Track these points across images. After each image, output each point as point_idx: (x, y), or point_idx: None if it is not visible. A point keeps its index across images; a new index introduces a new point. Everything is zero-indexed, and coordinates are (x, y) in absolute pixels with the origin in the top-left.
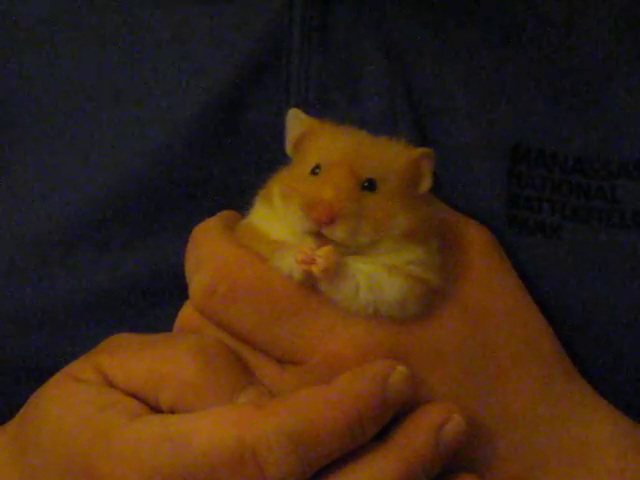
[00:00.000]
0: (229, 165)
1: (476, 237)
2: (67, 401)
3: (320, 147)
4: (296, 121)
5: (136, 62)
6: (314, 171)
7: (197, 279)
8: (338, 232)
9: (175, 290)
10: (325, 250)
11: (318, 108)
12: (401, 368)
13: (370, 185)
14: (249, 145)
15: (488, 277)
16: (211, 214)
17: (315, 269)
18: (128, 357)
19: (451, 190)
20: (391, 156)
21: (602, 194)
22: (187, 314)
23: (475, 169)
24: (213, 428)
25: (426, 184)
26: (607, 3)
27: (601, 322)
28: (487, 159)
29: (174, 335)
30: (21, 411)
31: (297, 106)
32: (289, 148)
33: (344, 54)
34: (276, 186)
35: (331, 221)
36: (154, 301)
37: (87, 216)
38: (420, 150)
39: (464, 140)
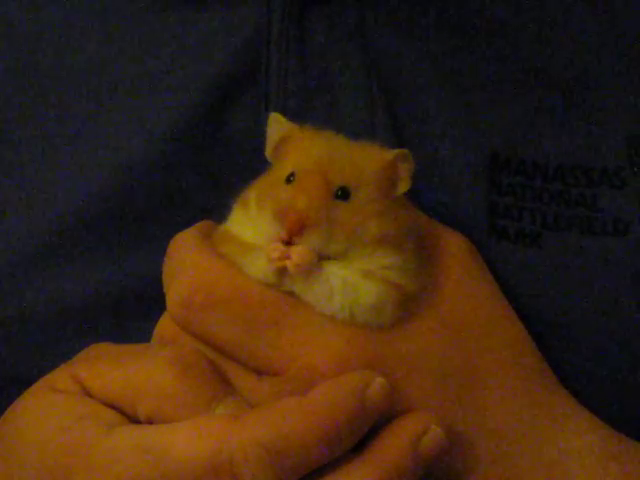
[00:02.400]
0: (209, 175)
1: (455, 246)
2: (45, 411)
3: (296, 153)
4: (276, 125)
5: (113, 72)
6: (289, 178)
7: (174, 289)
8: (308, 241)
9: (154, 300)
10: (299, 248)
11: (297, 117)
12: (379, 379)
13: (343, 193)
14: (229, 155)
15: (467, 286)
16: (190, 225)
17: (289, 264)
18: (106, 367)
19: (431, 198)
20: (366, 161)
21: (583, 202)
22: (165, 324)
23: (455, 177)
24: (190, 439)
25: (404, 186)
26: (588, 11)
27: (582, 330)
28: (467, 167)
29: (152, 345)
30: None
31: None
32: (268, 152)
33: (322, 63)
34: (253, 191)
35: (301, 230)
36: (132, 311)
37: (66, 227)
38: (395, 152)
39: (444, 148)
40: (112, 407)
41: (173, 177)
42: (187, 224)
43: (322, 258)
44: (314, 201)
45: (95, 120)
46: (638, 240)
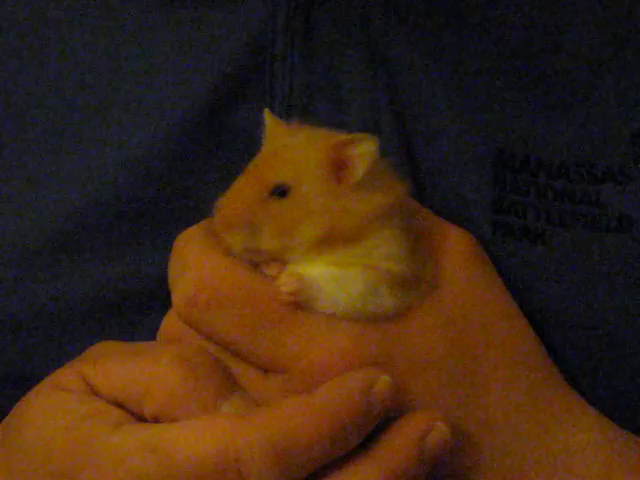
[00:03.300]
0: (214, 171)
1: (460, 243)
2: (51, 410)
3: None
4: (265, 121)
5: (119, 69)
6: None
7: (179, 288)
8: (233, 239)
9: (159, 298)
10: (283, 276)
11: (302, 113)
12: (385, 377)
13: (279, 190)
14: (234, 151)
15: (472, 284)
16: (195, 222)
17: (285, 298)
18: (112, 366)
19: (436, 196)
20: (309, 154)
21: (587, 199)
22: (170, 323)
23: (460, 175)
24: (197, 438)
25: (356, 173)
26: (591, 8)
27: (587, 327)
28: (472, 165)
29: (158, 344)
30: (5, 420)
31: (281, 113)
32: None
33: (328, 61)
34: None
35: (226, 229)
36: (138, 309)
37: (70, 225)
38: (336, 139)
39: (448, 145)
40: (118, 405)
41: (178, 174)
42: (193, 221)
43: (290, 261)
44: (240, 200)
45: (100, 117)
46: None
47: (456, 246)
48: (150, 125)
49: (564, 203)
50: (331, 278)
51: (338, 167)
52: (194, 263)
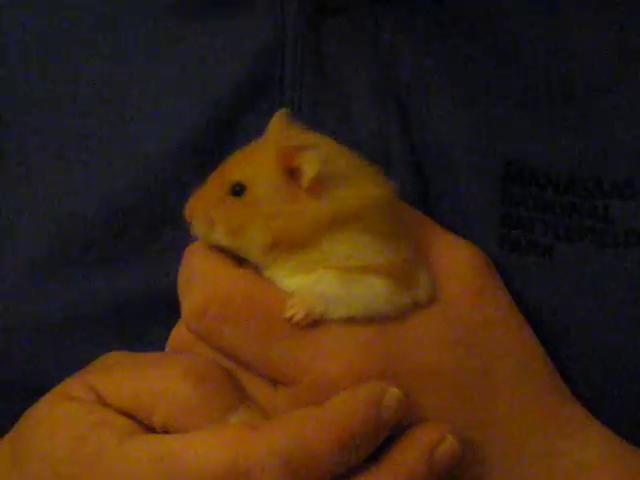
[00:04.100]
0: None
1: (469, 258)
2: (59, 419)
3: None
4: (272, 120)
5: (128, 80)
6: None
7: (189, 299)
8: (193, 229)
9: (168, 309)
10: (291, 304)
11: (311, 127)
12: (394, 389)
13: (238, 189)
14: None
15: (481, 298)
16: None
17: (301, 322)
18: (121, 376)
19: (444, 209)
20: (266, 158)
21: (595, 214)
22: (180, 333)
23: (467, 188)
24: (206, 449)
25: (304, 180)
26: (597, 22)
27: (594, 342)
28: (479, 178)
29: (167, 354)
30: (13, 429)
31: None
32: None
33: (337, 75)
34: None
35: (189, 219)
36: (147, 320)
37: (79, 235)
38: (284, 145)
39: (456, 159)
40: (127, 416)
41: (187, 186)
42: None
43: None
44: (203, 195)
45: (110, 127)
46: None
47: (465, 259)
48: (159, 136)
49: (571, 218)
50: (320, 283)
51: (292, 172)
52: (204, 275)
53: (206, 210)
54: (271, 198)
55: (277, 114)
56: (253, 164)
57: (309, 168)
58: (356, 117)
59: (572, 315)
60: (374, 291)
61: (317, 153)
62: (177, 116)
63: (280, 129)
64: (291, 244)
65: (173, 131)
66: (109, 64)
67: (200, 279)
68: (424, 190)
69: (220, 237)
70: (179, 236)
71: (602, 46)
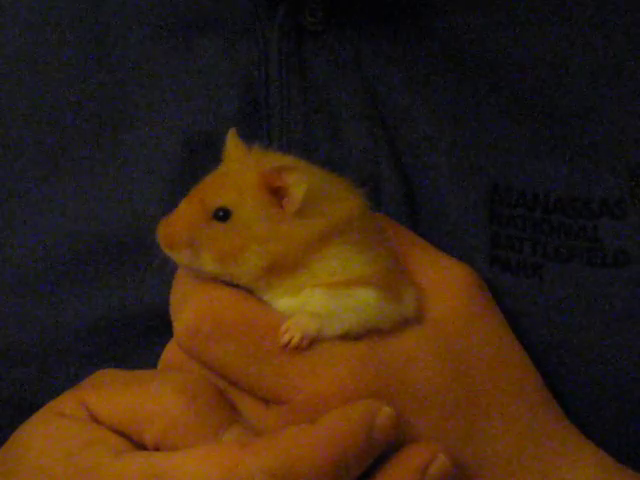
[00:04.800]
0: None
1: (461, 276)
2: (51, 436)
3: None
4: (227, 142)
5: (117, 100)
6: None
7: (181, 317)
8: (176, 258)
9: (160, 327)
10: (284, 329)
11: (300, 148)
12: (386, 408)
13: (221, 214)
14: None
15: (472, 316)
16: None
17: (299, 346)
18: (113, 393)
19: (433, 230)
20: (250, 180)
21: (584, 233)
22: (172, 351)
23: (456, 208)
24: (198, 466)
25: (293, 203)
26: (588, 42)
27: (585, 361)
28: (468, 200)
29: (159, 372)
30: (5, 445)
31: (279, 147)
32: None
33: (323, 94)
34: None
35: (169, 247)
36: (139, 337)
37: (71, 253)
38: (267, 167)
39: (445, 179)
40: (119, 433)
41: (171, 208)
42: None
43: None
44: (181, 221)
45: (92, 148)
46: (639, 271)
47: (457, 278)
48: (151, 155)
49: (560, 238)
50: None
51: (276, 193)
52: (196, 294)
53: (189, 237)
54: (259, 222)
55: (230, 134)
56: (235, 188)
57: (297, 190)
58: (346, 137)
59: (562, 334)
60: (363, 301)
61: (301, 174)
62: (161, 140)
63: (240, 150)
64: (284, 266)
65: (159, 153)
66: (92, 86)
67: (192, 297)
68: (414, 210)
69: (208, 264)
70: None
71: (590, 66)
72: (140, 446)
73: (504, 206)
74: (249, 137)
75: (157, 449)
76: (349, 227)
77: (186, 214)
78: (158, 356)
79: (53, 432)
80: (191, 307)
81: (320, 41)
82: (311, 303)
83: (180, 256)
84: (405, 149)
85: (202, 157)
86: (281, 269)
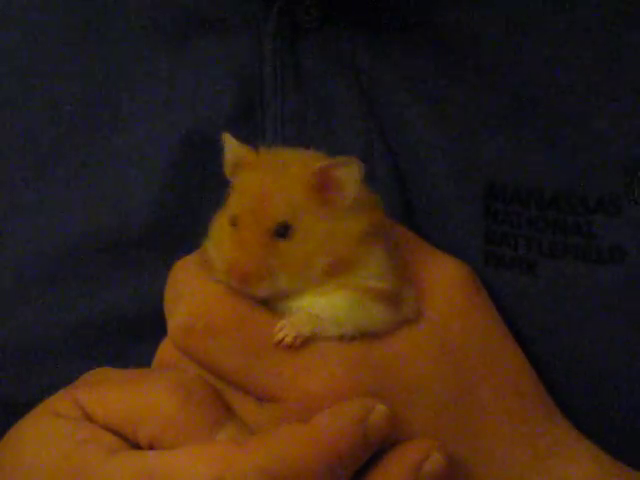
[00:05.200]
0: (208, 203)
1: (456, 273)
2: (45, 436)
3: (238, 189)
4: (228, 146)
5: (111, 99)
6: (232, 220)
7: (175, 315)
8: (256, 292)
9: (154, 325)
10: (279, 327)
11: (295, 145)
12: (381, 406)
13: (282, 230)
14: (227, 184)
15: (467, 314)
16: (191, 251)
17: (294, 344)
18: (107, 392)
19: (428, 227)
20: (298, 186)
21: (578, 230)
22: (166, 349)
23: (451, 206)
24: (192, 465)
25: (347, 197)
26: (584, 40)
27: (579, 358)
28: (463, 196)
29: (153, 370)
30: None
31: (274, 143)
32: (227, 173)
33: (318, 91)
34: (213, 224)
35: (247, 284)
36: (133, 336)
37: (66, 251)
38: (321, 165)
39: (439, 176)
40: (113, 432)
41: (173, 206)
42: (188, 251)
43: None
44: (251, 251)
45: (89, 149)
46: (634, 268)
47: (453, 276)
48: (144, 158)
49: (555, 234)
50: (325, 306)
51: (326, 190)
52: (190, 291)
53: (262, 268)
54: (319, 225)
55: (223, 137)
56: (283, 199)
57: (350, 186)
58: (340, 133)
59: (557, 331)
60: (373, 315)
61: (355, 170)
62: (156, 139)
63: (250, 154)
64: (342, 264)
65: (154, 153)
66: (87, 86)
67: (186, 295)
68: (408, 207)
69: (286, 282)
70: (165, 254)
71: (586, 62)
72: (134, 445)
73: (499, 202)
74: (244, 135)
75: (151, 448)
76: (381, 226)
77: (248, 244)
78: (152, 354)
79: (47, 431)
80: (185, 305)
81: (315, 39)
82: (329, 305)
83: (259, 290)
84: (400, 146)
85: (197, 155)
86: (339, 268)
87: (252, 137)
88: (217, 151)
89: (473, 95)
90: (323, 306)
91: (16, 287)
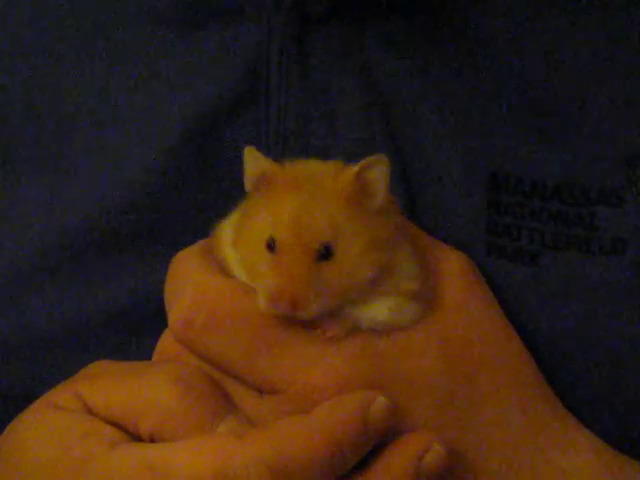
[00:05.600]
0: (209, 194)
1: (456, 265)
2: (46, 429)
3: (273, 211)
4: (252, 160)
5: (114, 92)
6: (269, 244)
7: (175, 309)
8: (307, 316)
9: (155, 318)
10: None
11: (296, 137)
12: (381, 398)
13: (325, 252)
14: (228, 174)
15: (468, 305)
16: (191, 242)
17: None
18: (108, 385)
19: (431, 218)
20: (332, 202)
21: (581, 221)
22: (167, 342)
23: (454, 197)
24: (193, 458)
25: (378, 197)
26: (587, 32)
27: (581, 349)
28: (466, 187)
29: (154, 363)
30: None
31: (276, 137)
32: (248, 186)
33: (322, 85)
34: (239, 240)
35: (297, 310)
36: (133, 329)
37: (66, 244)
38: (353, 170)
39: (443, 168)
40: (114, 425)
41: (172, 196)
42: (188, 242)
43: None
44: (300, 278)
45: (95, 139)
46: (636, 259)
47: (453, 268)
48: (145, 146)
49: (558, 225)
50: (366, 314)
51: (361, 196)
52: (190, 284)
53: (310, 294)
54: (359, 237)
55: (246, 151)
56: (325, 218)
57: (381, 185)
58: (343, 127)
59: (559, 322)
60: (407, 315)
61: (384, 168)
62: (162, 128)
63: (274, 168)
64: (384, 271)
65: (158, 143)
66: (94, 75)
67: (186, 288)
68: (411, 199)
69: (336, 300)
70: (164, 247)
71: (590, 55)
72: (135, 437)
73: (502, 194)
74: (246, 124)
75: (152, 440)
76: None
77: (293, 270)
78: (153, 347)
79: (48, 425)
80: (186, 298)
81: (324, 30)
82: (370, 311)
83: (309, 314)
84: (403, 138)
85: (198, 146)
86: (380, 277)
87: (256, 127)
88: (218, 142)
89: (478, 88)
90: (365, 314)
91: (16, 281)
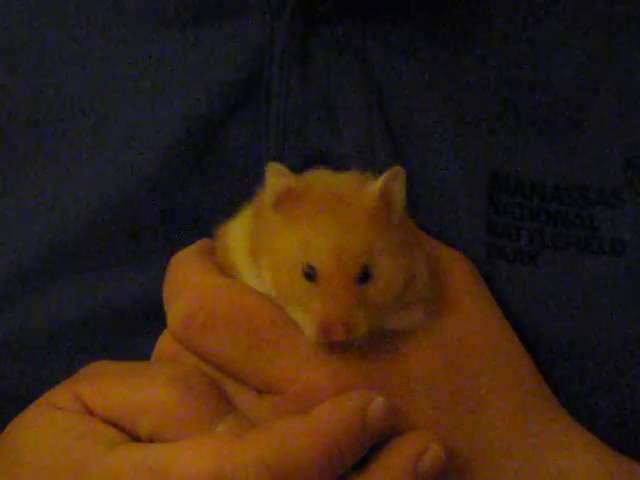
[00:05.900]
0: (208, 191)
1: (455, 265)
2: (45, 429)
3: (306, 235)
4: (277, 176)
5: (115, 87)
6: (308, 273)
7: (174, 308)
8: (354, 339)
9: (154, 318)
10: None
11: (296, 135)
12: (380, 398)
13: (364, 275)
14: (228, 172)
15: (467, 306)
16: (190, 241)
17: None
18: (107, 385)
19: (430, 219)
20: (368, 219)
21: (580, 222)
22: (165, 342)
23: (454, 198)
24: (192, 458)
25: (399, 208)
26: (587, 33)
27: (580, 350)
28: (466, 188)
29: (153, 363)
30: None
31: (276, 136)
32: (271, 202)
33: (323, 84)
34: (267, 259)
35: (348, 335)
36: (132, 329)
37: (64, 244)
38: (376, 187)
39: (443, 168)
40: (113, 425)
41: (172, 193)
42: (187, 242)
43: None
44: (347, 306)
45: (95, 135)
46: (635, 259)
47: (453, 268)
48: (145, 144)
49: (557, 226)
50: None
51: (386, 210)
52: (189, 283)
53: (357, 319)
54: (388, 262)
55: (270, 166)
56: (362, 241)
57: (400, 195)
58: (343, 127)
59: (558, 323)
60: (417, 321)
61: (402, 178)
62: (162, 125)
63: (303, 186)
64: (410, 280)
65: (158, 140)
66: (94, 73)
67: (186, 288)
68: (411, 198)
69: (376, 321)
70: (163, 246)
71: (587, 57)
72: (134, 438)
73: (502, 194)
74: (247, 123)
75: (151, 441)
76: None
77: (340, 299)
78: (151, 347)
79: (47, 425)
80: (185, 297)
81: (325, 30)
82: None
83: (360, 337)
84: (404, 138)
85: (198, 143)
86: (409, 284)
87: (256, 124)
88: (219, 141)
89: (479, 87)
90: (396, 321)
91: (14, 280)
